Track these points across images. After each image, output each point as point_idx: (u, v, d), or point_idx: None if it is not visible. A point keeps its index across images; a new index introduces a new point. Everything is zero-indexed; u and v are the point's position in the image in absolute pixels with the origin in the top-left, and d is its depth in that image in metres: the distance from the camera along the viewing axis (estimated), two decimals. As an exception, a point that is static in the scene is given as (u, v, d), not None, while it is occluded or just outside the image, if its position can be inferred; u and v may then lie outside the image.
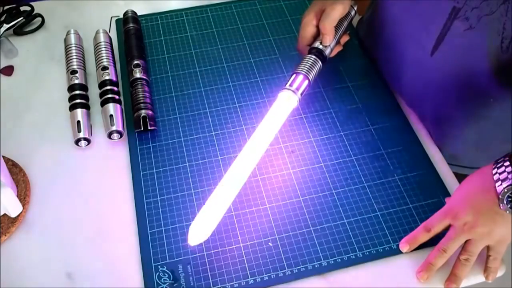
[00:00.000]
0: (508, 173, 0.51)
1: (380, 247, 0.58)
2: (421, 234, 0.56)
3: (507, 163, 0.52)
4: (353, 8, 0.71)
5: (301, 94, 0.63)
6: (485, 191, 0.53)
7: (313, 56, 0.65)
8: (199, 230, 0.54)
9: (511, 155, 0.53)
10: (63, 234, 0.59)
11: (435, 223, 0.56)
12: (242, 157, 0.58)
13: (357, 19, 0.82)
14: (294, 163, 0.65)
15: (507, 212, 0.51)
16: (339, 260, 0.57)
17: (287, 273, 0.55)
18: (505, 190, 0.51)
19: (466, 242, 0.54)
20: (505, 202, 0.51)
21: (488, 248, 0.55)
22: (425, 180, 0.63)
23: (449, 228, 0.55)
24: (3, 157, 0.63)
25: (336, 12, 0.65)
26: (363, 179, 0.63)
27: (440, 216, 0.56)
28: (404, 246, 0.57)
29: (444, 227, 0.55)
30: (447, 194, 0.62)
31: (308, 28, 0.67)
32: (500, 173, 0.52)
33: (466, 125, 0.65)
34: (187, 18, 0.83)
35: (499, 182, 0.52)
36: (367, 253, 0.57)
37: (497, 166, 0.53)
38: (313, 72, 0.64)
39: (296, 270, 0.56)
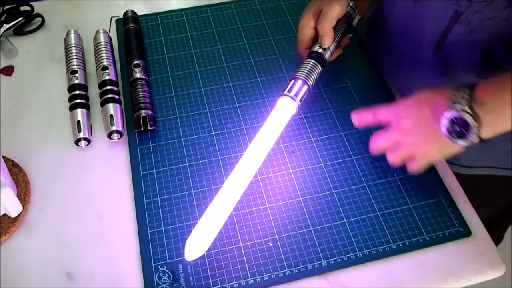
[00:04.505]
0: (462, 98, 0.49)
1: (380, 247, 0.58)
2: (367, 114, 0.59)
3: (468, 91, 0.49)
4: (354, 10, 0.71)
5: (300, 101, 0.63)
6: (435, 109, 0.52)
7: (312, 61, 0.65)
8: (196, 245, 0.54)
9: (474, 85, 0.50)
10: (63, 234, 0.59)
11: (381, 115, 0.58)
12: (239, 168, 0.58)
13: (356, 18, 0.82)
14: (294, 163, 0.65)
15: (445, 136, 0.51)
16: (339, 260, 0.57)
17: (287, 273, 0.55)
18: (453, 109, 0.50)
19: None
20: (446, 123, 0.50)
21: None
22: (425, 180, 0.63)
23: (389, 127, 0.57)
24: (3, 157, 0.63)
25: (334, 12, 0.64)
26: (363, 179, 0.63)
27: (387, 111, 0.58)
28: (353, 118, 0.60)
29: (385, 122, 0.58)
30: (447, 194, 0.62)
31: (305, 31, 0.67)
32: (456, 96, 0.50)
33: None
34: (187, 18, 0.83)
35: (452, 105, 0.50)
36: (367, 253, 0.57)
37: (457, 90, 0.50)
38: (313, 77, 0.64)
39: (296, 270, 0.56)
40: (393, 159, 0.58)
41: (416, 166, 0.57)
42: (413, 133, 0.55)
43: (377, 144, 0.58)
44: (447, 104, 0.50)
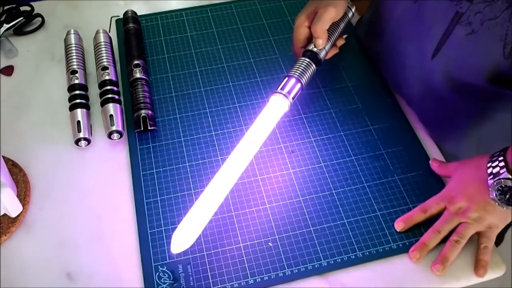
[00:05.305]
0: (500, 168, 0.54)
1: (380, 247, 0.58)
2: (417, 214, 0.59)
3: (501, 158, 0.54)
4: (351, 9, 0.70)
5: (293, 98, 0.63)
6: (479, 181, 0.56)
7: (307, 59, 0.65)
8: (182, 238, 0.54)
9: (505, 150, 0.55)
10: (63, 234, 0.59)
11: (432, 205, 0.59)
12: (228, 163, 0.58)
13: (355, 18, 0.82)
14: (294, 163, 0.65)
15: (496, 203, 0.54)
16: (339, 260, 0.57)
17: (287, 273, 0.55)
18: (495, 184, 0.54)
19: (458, 225, 0.57)
20: (494, 194, 0.54)
21: (478, 235, 0.57)
22: (425, 180, 0.63)
23: (444, 212, 0.58)
24: (3, 157, 0.63)
25: (328, 15, 0.64)
26: (363, 179, 0.63)
27: (437, 199, 0.59)
28: (399, 225, 0.59)
29: (440, 209, 0.58)
30: (447, 194, 0.62)
31: (300, 31, 0.67)
32: (493, 167, 0.55)
33: (466, 126, 0.65)
34: (187, 18, 0.83)
35: (491, 176, 0.55)
36: (367, 253, 0.57)
37: (492, 160, 0.56)
38: (306, 76, 0.64)
39: (296, 270, 0.56)
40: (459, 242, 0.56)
41: (489, 251, 0.57)
42: (471, 209, 0.56)
43: (443, 231, 0.57)
44: (489, 178, 0.54)
